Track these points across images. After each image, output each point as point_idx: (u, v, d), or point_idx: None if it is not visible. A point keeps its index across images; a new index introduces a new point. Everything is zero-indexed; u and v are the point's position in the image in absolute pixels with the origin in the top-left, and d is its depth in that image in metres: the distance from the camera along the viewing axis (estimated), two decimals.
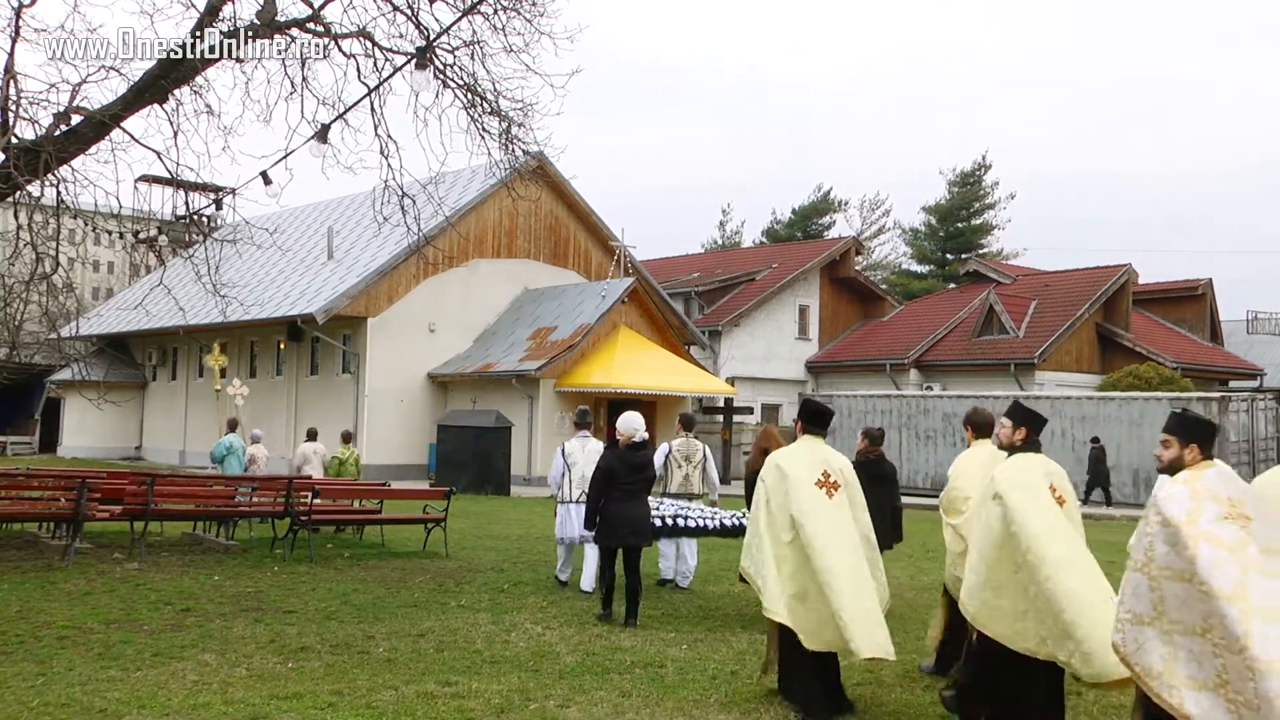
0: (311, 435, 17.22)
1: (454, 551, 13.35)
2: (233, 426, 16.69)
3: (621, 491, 8.91)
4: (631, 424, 9.22)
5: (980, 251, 55.18)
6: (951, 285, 47.44)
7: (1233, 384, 35.49)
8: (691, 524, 10.25)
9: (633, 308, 28.57)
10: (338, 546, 13.78)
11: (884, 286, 47.17)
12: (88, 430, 35.40)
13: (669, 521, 10.11)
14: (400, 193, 12.88)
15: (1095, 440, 24.75)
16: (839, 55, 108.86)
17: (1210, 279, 37.81)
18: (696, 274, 40.22)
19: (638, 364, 26.69)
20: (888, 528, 9.01)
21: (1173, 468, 4.68)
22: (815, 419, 6.86)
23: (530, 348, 27.34)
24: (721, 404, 31.41)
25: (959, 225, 59.19)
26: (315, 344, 29.58)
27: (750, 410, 32.72)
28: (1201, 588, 4.20)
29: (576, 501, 10.36)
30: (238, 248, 14.84)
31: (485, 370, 27.38)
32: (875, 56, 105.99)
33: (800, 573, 6.22)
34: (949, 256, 58.47)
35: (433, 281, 28.74)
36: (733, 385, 31.38)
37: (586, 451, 10.55)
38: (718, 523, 10.33)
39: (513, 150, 13.43)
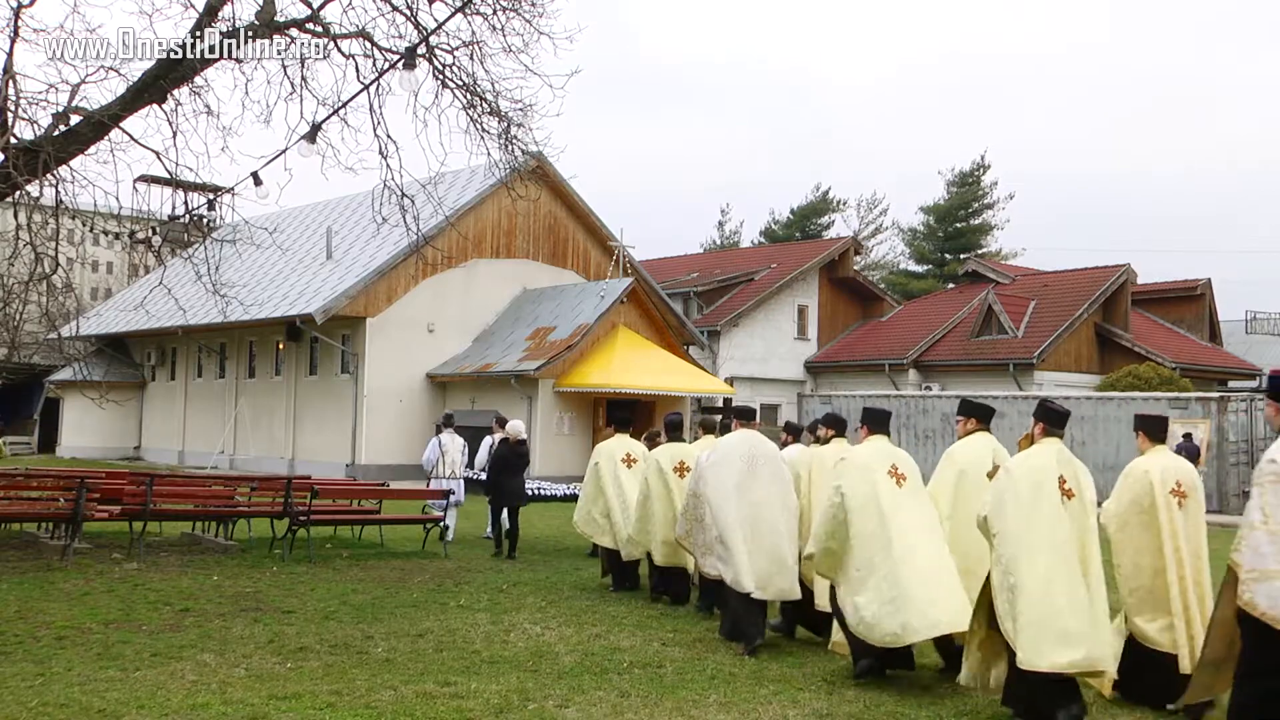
0: None
1: (453, 551, 13.36)
2: None
3: (510, 470, 13.09)
4: (516, 428, 13.51)
5: (979, 251, 55.14)
6: (950, 285, 47.42)
7: (1231, 384, 35.44)
8: (559, 494, 16.50)
9: (631, 308, 28.52)
10: (336, 546, 13.79)
11: (883, 286, 47.14)
12: (87, 430, 35.34)
13: (536, 492, 15.45)
14: (399, 193, 12.86)
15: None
16: (839, 56, 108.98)
17: (1209, 279, 37.83)
18: (695, 274, 40.18)
19: (636, 364, 26.65)
20: None
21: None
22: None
23: (529, 348, 27.30)
24: (720, 404, 31.39)
25: (958, 225, 59.16)
26: (314, 344, 29.54)
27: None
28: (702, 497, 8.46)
29: (448, 478, 14.53)
30: (237, 247, 14.86)
31: (484, 370, 27.34)
32: (875, 57, 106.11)
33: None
34: (948, 256, 58.42)
35: (432, 282, 28.68)
36: (731, 385, 31.36)
37: (454, 443, 14.83)
38: (564, 492, 16.20)
39: (512, 150, 13.42)
